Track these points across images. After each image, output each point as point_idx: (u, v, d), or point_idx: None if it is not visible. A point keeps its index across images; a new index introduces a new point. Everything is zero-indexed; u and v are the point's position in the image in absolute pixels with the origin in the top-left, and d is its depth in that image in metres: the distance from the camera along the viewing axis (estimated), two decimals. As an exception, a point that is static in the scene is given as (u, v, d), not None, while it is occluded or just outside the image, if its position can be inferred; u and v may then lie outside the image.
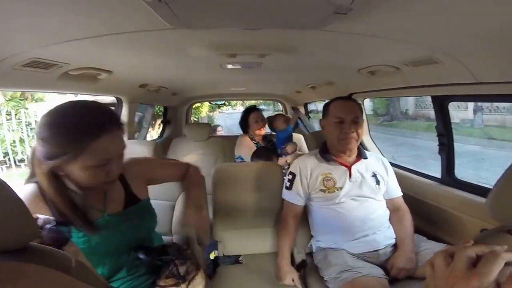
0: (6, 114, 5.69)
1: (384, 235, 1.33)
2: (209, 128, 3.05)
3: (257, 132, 2.62)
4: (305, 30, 0.90)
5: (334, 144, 1.40)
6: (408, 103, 13.59)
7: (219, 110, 13.78)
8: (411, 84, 1.46)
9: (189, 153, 2.88)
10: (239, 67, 1.56)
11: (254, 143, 2.57)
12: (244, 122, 2.71)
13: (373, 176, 1.41)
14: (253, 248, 1.63)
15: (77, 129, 0.76)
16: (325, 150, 1.46)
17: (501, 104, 9.62)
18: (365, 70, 1.49)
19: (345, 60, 1.41)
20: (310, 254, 1.52)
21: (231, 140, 2.87)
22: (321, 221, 1.43)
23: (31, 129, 5.81)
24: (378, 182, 1.40)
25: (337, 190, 1.36)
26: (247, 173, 1.67)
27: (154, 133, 4.64)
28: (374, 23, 0.83)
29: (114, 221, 0.93)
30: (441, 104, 1.48)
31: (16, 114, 5.79)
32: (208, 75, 2.03)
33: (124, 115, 2.27)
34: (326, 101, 1.49)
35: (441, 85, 1.32)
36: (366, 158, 1.44)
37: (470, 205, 1.33)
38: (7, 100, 5.66)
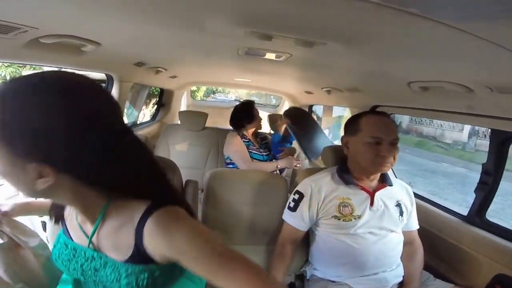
0: (1, 79, 5.62)
1: (395, 273, 1.17)
2: (206, 117, 2.66)
3: (256, 129, 2.17)
4: (386, 11, 0.55)
5: (365, 167, 1.13)
6: (403, 116, 13.37)
7: (213, 96, 13.24)
8: (477, 112, 1.10)
9: (180, 142, 2.56)
10: (260, 56, 1.18)
11: (245, 141, 2.08)
12: (247, 117, 2.12)
13: (397, 205, 1.18)
14: None
15: None
16: (345, 170, 1.18)
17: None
18: (418, 83, 1.12)
19: (402, 67, 1.04)
20: (299, 276, 1.32)
21: (226, 133, 2.49)
22: (326, 251, 1.18)
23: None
24: (401, 213, 1.17)
25: (354, 219, 1.12)
26: (246, 183, 1.43)
27: (147, 112, 4.21)
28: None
29: (99, 263, 0.57)
30: (502, 141, 1.16)
31: (10, 80, 5.91)
32: (216, 61, 1.72)
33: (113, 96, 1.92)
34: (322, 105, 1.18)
35: None
36: (391, 185, 1.18)
37: (491, 247, 1.17)
38: (6, 66, 5.57)
